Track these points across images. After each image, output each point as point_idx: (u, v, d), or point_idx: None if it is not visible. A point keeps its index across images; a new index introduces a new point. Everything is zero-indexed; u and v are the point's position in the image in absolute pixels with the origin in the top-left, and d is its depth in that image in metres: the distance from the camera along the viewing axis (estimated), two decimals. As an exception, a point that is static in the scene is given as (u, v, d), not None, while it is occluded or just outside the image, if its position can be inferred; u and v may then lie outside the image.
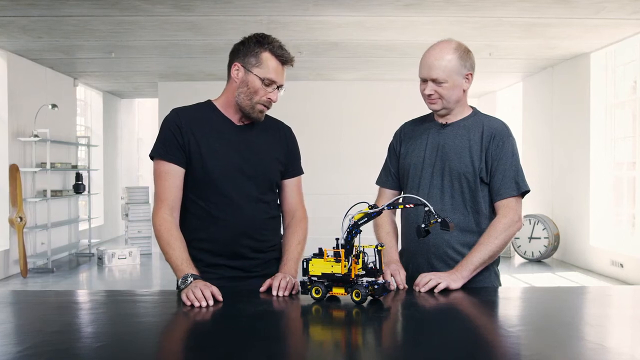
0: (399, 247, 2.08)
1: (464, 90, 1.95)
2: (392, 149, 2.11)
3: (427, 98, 1.94)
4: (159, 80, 8.95)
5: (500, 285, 2.02)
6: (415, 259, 1.99)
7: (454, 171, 1.93)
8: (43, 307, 1.77)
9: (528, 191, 1.95)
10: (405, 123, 2.14)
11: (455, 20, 5.58)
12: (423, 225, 1.66)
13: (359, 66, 7.99)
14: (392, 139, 2.14)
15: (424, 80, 1.93)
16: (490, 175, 1.93)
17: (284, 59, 1.86)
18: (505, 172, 1.92)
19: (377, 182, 2.14)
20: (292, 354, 1.34)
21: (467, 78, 1.93)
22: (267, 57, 1.84)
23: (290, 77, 1.96)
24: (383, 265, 1.73)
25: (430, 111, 2.02)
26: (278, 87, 1.88)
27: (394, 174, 2.09)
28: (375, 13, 5.39)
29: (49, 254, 7.21)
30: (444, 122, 2.00)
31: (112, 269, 7.48)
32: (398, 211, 1.86)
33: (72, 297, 2.08)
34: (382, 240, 2.01)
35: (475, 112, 2.02)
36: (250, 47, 1.85)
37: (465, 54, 1.92)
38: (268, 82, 1.85)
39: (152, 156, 1.91)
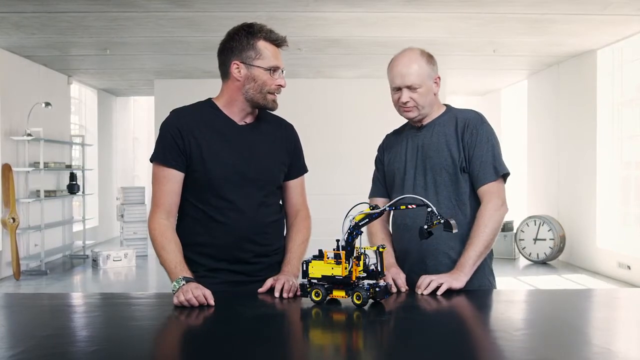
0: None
1: (435, 94, 2.02)
2: (378, 161, 2.16)
3: (403, 106, 1.98)
4: (155, 77, 8.90)
5: (494, 279, 2.04)
6: (409, 259, 2.00)
7: (435, 167, 1.97)
8: (36, 310, 1.76)
9: (508, 174, 1.98)
10: (387, 135, 2.19)
11: (458, 16, 5.55)
12: (425, 227, 1.66)
13: (360, 63, 7.95)
14: (376, 152, 2.18)
15: (397, 89, 1.98)
16: (468, 164, 1.97)
17: (279, 42, 1.86)
18: (482, 158, 1.95)
19: (370, 196, 2.16)
20: (292, 357, 1.33)
21: (436, 82, 2.01)
22: (263, 45, 1.83)
23: (290, 74, 1.94)
24: (384, 268, 1.70)
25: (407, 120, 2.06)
26: (282, 71, 1.87)
27: (382, 183, 2.13)
28: (376, 9, 5.36)
29: (43, 255, 7.14)
30: (419, 125, 2.04)
31: (107, 271, 7.43)
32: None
33: (66, 300, 2.09)
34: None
35: (449, 108, 2.07)
36: (243, 41, 1.83)
37: (431, 58, 2.01)
38: (273, 70, 1.84)
39: (152, 160, 1.89)
